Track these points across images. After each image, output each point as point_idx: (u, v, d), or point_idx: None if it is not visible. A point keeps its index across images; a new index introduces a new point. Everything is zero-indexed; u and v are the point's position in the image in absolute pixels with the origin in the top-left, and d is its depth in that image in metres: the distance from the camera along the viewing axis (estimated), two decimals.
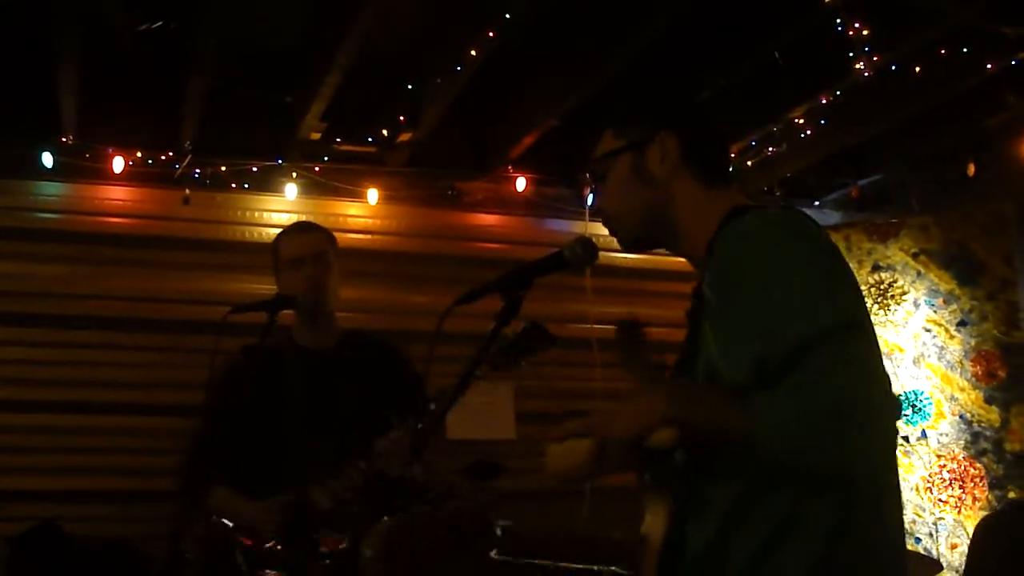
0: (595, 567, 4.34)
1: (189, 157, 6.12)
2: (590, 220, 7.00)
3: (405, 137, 6.22)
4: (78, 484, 5.75)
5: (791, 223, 2.19)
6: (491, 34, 5.13)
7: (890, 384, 2.04)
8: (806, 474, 2.01)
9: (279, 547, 3.76)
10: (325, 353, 4.26)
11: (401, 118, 6.08)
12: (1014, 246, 6.60)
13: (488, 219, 6.96)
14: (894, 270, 6.93)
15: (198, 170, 6.18)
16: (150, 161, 6.12)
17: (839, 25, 5.21)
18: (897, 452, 2.12)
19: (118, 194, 6.16)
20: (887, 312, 6.96)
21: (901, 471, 5.33)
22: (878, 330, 6.77)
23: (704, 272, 2.25)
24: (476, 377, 2.41)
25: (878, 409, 1.99)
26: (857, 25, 5.18)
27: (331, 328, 4.31)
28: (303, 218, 6.41)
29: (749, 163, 6.72)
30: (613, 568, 4.25)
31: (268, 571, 3.73)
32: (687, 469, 2.21)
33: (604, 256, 7.45)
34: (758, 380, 1.99)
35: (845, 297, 2.10)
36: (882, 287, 7.03)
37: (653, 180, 2.36)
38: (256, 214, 6.42)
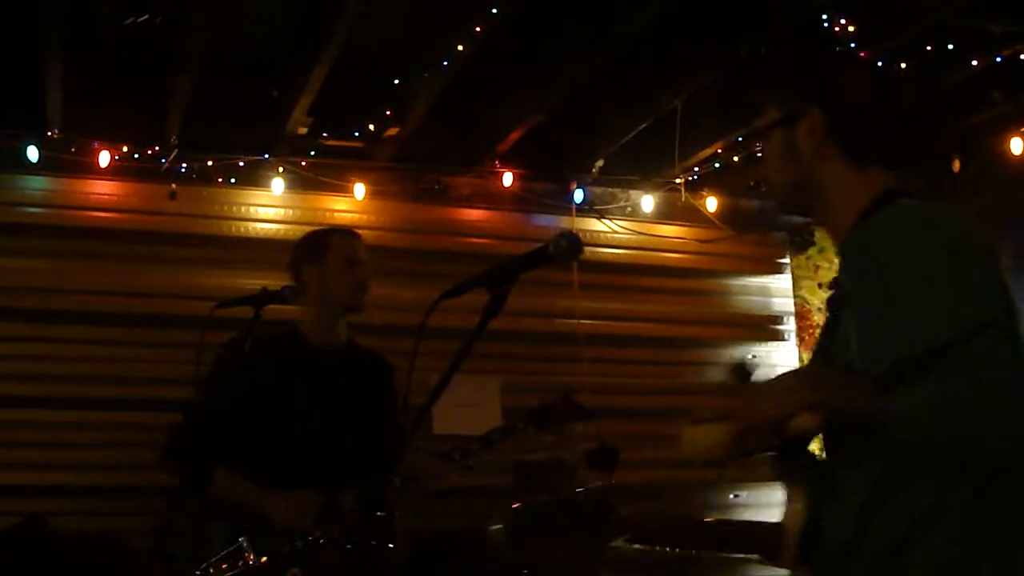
0: (735, 555, 4.34)
1: (175, 152, 6.10)
2: (577, 215, 7.01)
3: (392, 132, 6.21)
4: (63, 479, 5.74)
5: (938, 217, 2.15)
6: (477, 29, 5.13)
7: None
8: (949, 464, 2.01)
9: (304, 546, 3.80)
10: (335, 353, 4.31)
11: (388, 113, 6.07)
12: (996, 240, 6.60)
13: (475, 214, 6.96)
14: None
15: (184, 165, 6.16)
16: (136, 155, 6.10)
17: (825, 21, 5.21)
18: None
19: (104, 188, 6.13)
20: None
21: None
22: None
23: (845, 258, 2.26)
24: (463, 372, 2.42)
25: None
26: (843, 22, 5.18)
27: (344, 331, 4.37)
28: (290, 213, 6.43)
29: (735, 158, 6.73)
30: (755, 556, 4.24)
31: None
32: (823, 456, 2.22)
33: (591, 251, 7.52)
34: (898, 375, 1.96)
35: (990, 296, 2.06)
36: None
37: (800, 157, 2.35)
38: (242, 209, 6.40)
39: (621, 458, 5.64)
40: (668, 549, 4.44)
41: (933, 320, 1.98)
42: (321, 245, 4.30)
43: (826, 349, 2.31)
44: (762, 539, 4.28)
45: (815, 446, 2.19)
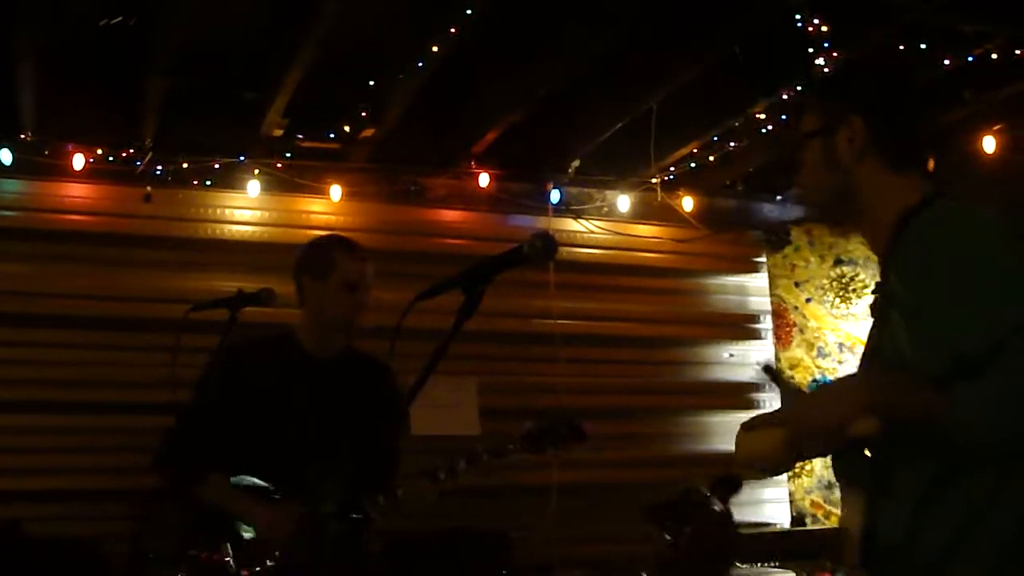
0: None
1: (150, 154, 6.07)
2: (553, 215, 7.02)
3: (368, 133, 6.20)
4: (41, 484, 5.69)
5: (984, 217, 2.20)
6: (453, 30, 5.13)
7: None
8: (1009, 458, 2.03)
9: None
10: (330, 362, 4.30)
11: (363, 114, 6.06)
12: None
13: (451, 215, 6.95)
14: (856, 264, 6.99)
15: (159, 167, 6.13)
16: (111, 158, 6.07)
17: (799, 22, 5.23)
18: None
19: (78, 191, 6.10)
20: (849, 305, 7.03)
21: None
22: (840, 323, 6.91)
23: (888, 261, 2.30)
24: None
25: None
26: (817, 22, 5.20)
27: (342, 339, 4.35)
28: (266, 215, 6.41)
29: (711, 158, 6.75)
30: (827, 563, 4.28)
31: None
32: (877, 459, 2.23)
33: (567, 251, 7.54)
34: (956, 372, 2.00)
35: None
36: (844, 280, 7.10)
37: (840, 164, 2.40)
38: (218, 211, 6.38)
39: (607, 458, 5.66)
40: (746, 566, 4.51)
41: (989, 315, 2.02)
42: (326, 262, 4.22)
43: (875, 351, 2.32)
44: (824, 545, 4.35)
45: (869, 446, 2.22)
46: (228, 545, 3.78)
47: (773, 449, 2.17)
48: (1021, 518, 2.05)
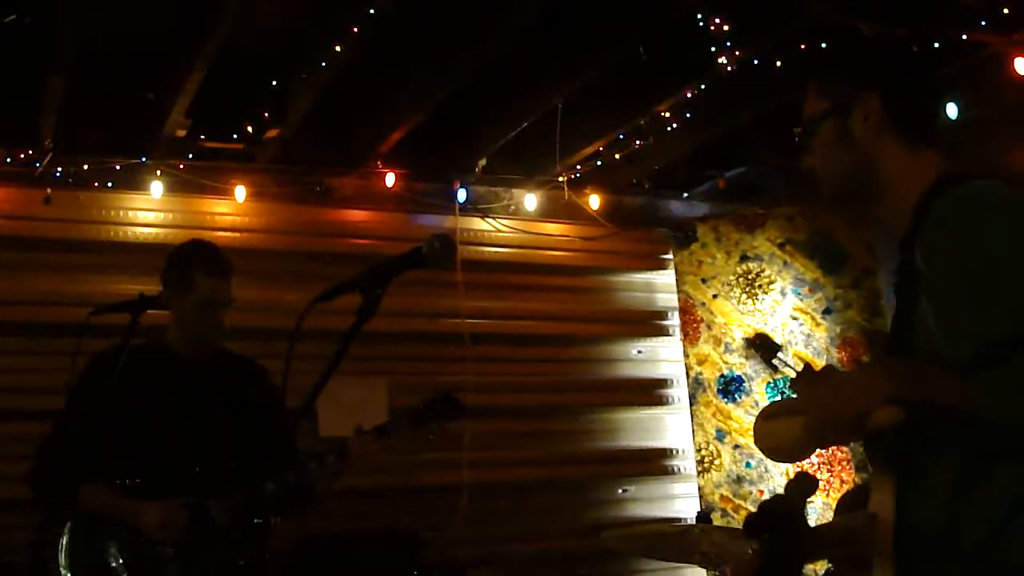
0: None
1: (50, 155, 5.96)
2: (460, 214, 7.02)
3: (272, 134, 6.16)
4: None
5: (1013, 198, 2.15)
6: (355, 29, 5.10)
7: None
8: None
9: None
10: (201, 361, 4.27)
11: (266, 115, 6.02)
12: (875, 236, 6.78)
13: (358, 215, 6.91)
14: (762, 260, 7.08)
15: (59, 168, 6.03)
16: (8, 159, 5.95)
17: (700, 20, 5.28)
18: None
19: None
20: (755, 301, 7.11)
21: None
22: (746, 319, 6.99)
23: (911, 240, 2.23)
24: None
25: None
26: (718, 20, 5.26)
27: (209, 346, 4.33)
28: (170, 217, 6.33)
29: (617, 156, 6.79)
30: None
31: None
32: (905, 445, 2.20)
33: (475, 250, 7.52)
34: (984, 360, 1.98)
35: None
36: (750, 276, 7.17)
37: (856, 143, 2.36)
38: (120, 213, 6.29)
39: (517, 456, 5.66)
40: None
41: (1017, 303, 1.99)
42: (185, 279, 4.17)
43: (901, 336, 2.27)
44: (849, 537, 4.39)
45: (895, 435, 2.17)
46: (116, 550, 3.75)
47: (794, 438, 2.17)
48: None
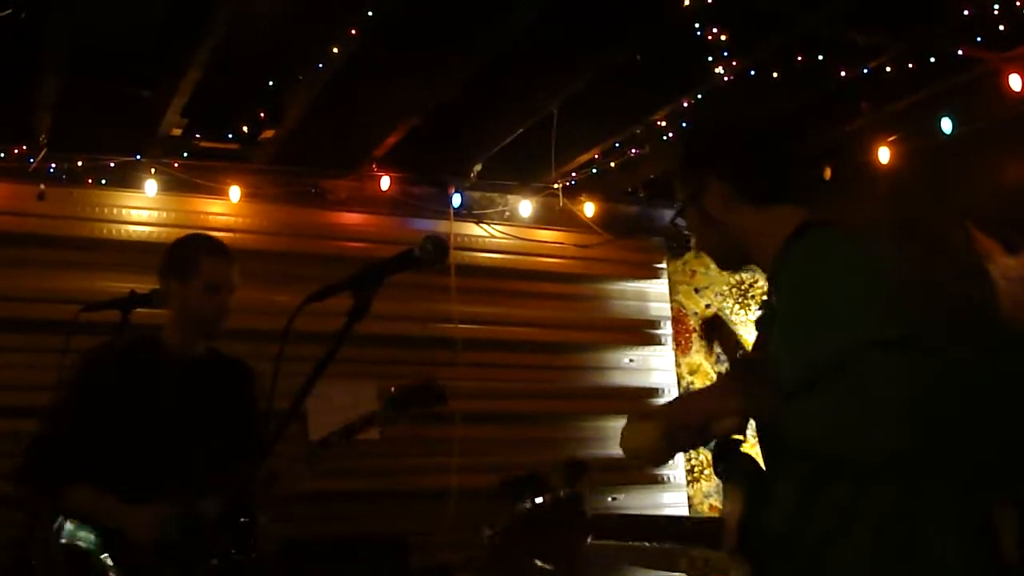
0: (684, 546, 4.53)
1: (44, 151, 5.95)
2: (455, 219, 7.02)
3: (267, 135, 6.15)
4: None
5: (847, 241, 2.32)
6: (353, 32, 5.10)
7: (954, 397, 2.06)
8: (847, 466, 2.17)
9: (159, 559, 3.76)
10: (194, 360, 4.26)
11: (261, 115, 6.01)
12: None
13: (352, 218, 6.91)
14: (754, 271, 7.06)
15: (53, 165, 6.02)
16: (2, 155, 5.94)
17: (698, 30, 5.29)
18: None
19: None
20: (748, 311, 7.11)
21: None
22: (740, 329, 6.98)
23: (772, 282, 2.48)
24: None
25: (919, 415, 2.02)
26: (715, 30, 5.27)
27: (203, 342, 4.32)
28: (163, 215, 6.32)
29: (612, 164, 6.80)
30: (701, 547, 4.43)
31: None
32: (752, 457, 2.44)
33: (469, 255, 7.51)
34: (806, 385, 2.15)
35: (891, 313, 2.15)
36: (743, 287, 7.18)
37: (715, 221, 2.56)
38: (114, 210, 6.28)
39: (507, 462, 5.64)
40: (629, 543, 4.69)
41: (836, 333, 2.14)
42: (189, 263, 4.18)
43: (759, 364, 2.47)
44: (706, 532, 4.58)
45: (752, 449, 2.41)
46: (106, 552, 3.73)
47: (650, 440, 2.32)
48: (877, 523, 2.15)
